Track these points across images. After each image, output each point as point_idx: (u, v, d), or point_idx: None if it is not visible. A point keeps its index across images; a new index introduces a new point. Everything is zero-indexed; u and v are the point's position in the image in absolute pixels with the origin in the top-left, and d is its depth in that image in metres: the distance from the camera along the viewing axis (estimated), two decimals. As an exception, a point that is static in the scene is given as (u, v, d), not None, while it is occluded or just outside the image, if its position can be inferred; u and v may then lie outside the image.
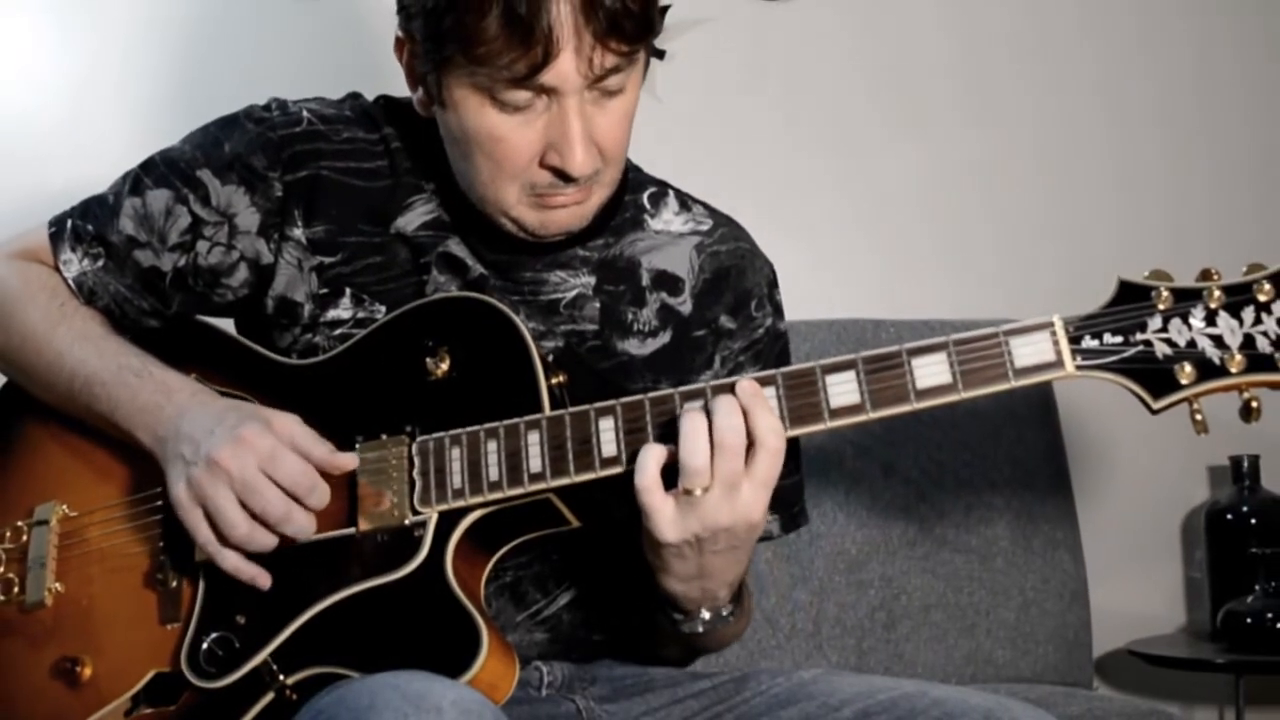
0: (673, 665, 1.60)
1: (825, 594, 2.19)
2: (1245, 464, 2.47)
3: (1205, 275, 1.26)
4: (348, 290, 1.53)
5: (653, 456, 1.30)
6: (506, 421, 1.37)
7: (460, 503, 1.37)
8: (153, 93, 2.36)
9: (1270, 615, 2.28)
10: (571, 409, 1.36)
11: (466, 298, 1.46)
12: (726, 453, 1.28)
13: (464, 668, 1.30)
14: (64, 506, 1.53)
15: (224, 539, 1.39)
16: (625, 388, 1.52)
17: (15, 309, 1.54)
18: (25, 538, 1.53)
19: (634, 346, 1.56)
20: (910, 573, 2.22)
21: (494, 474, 1.36)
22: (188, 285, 1.56)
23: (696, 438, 1.29)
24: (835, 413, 1.30)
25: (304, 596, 1.38)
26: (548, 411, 1.37)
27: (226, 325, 1.61)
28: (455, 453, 1.38)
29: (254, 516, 1.38)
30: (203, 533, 1.39)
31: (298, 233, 1.53)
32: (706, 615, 1.44)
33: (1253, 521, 2.45)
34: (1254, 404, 1.24)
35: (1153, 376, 1.25)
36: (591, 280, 1.56)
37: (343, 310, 1.53)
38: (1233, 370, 1.23)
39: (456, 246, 1.54)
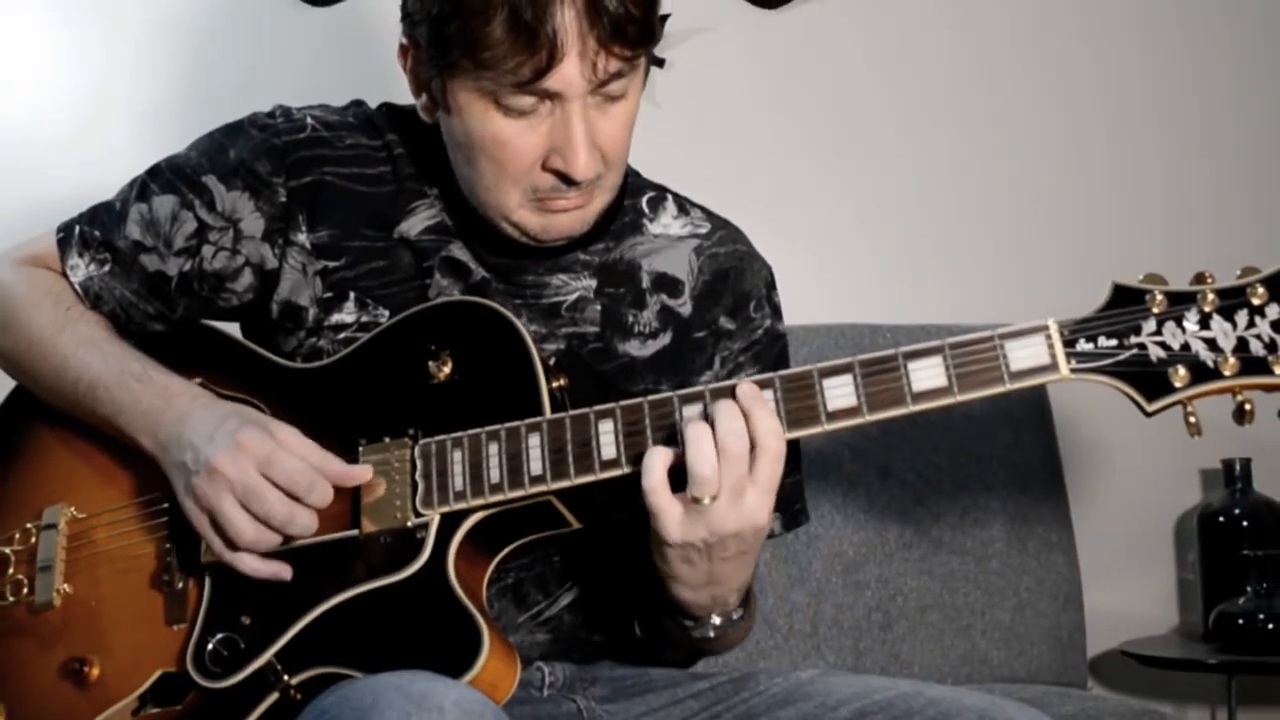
0: (674, 667, 1.60)
1: (823, 595, 2.20)
2: (1237, 467, 2.47)
3: (1199, 279, 1.26)
4: (351, 294, 1.53)
5: (659, 458, 1.31)
6: (507, 424, 1.38)
7: (462, 505, 1.38)
8: (159, 102, 2.37)
9: (1262, 616, 2.28)
10: (571, 412, 1.37)
11: (469, 302, 1.47)
12: (731, 459, 1.29)
13: (466, 668, 1.31)
14: (72, 509, 1.54)
15: (233, 544, 1.40)
16: (626, 389, 1.53)
17: (22, 314, 1.55)
18: (34, 540, 1.53)
19: (635, 348, 1.57)
20: (906, 574, 2.23)
21: (495, 476, 1.37)
22: (193, 290, 1.56)
23: (702, 444, 1.29)
24: (833, 415, 1.31)
25: (308, 597, 1.39)
26: (548, 414, 1.38)
27: (232, 329, 1.61)
28: (457, 455, 1.39)
29: (258, 519, 1.39)
30: (214, 540, 1.41)
31: (302, 238, 1.54)
32: (717, 620, 1.45)
33: (1245, 524, 2.44)
34: (1247, 407, 1.24)
35: (1147, 379, 1.25)
36: (593, 283, 1.57)
37: (347, 314, 1.53)
38: (1226, 373, 1.23)
39: (459, 251, 1.54)
